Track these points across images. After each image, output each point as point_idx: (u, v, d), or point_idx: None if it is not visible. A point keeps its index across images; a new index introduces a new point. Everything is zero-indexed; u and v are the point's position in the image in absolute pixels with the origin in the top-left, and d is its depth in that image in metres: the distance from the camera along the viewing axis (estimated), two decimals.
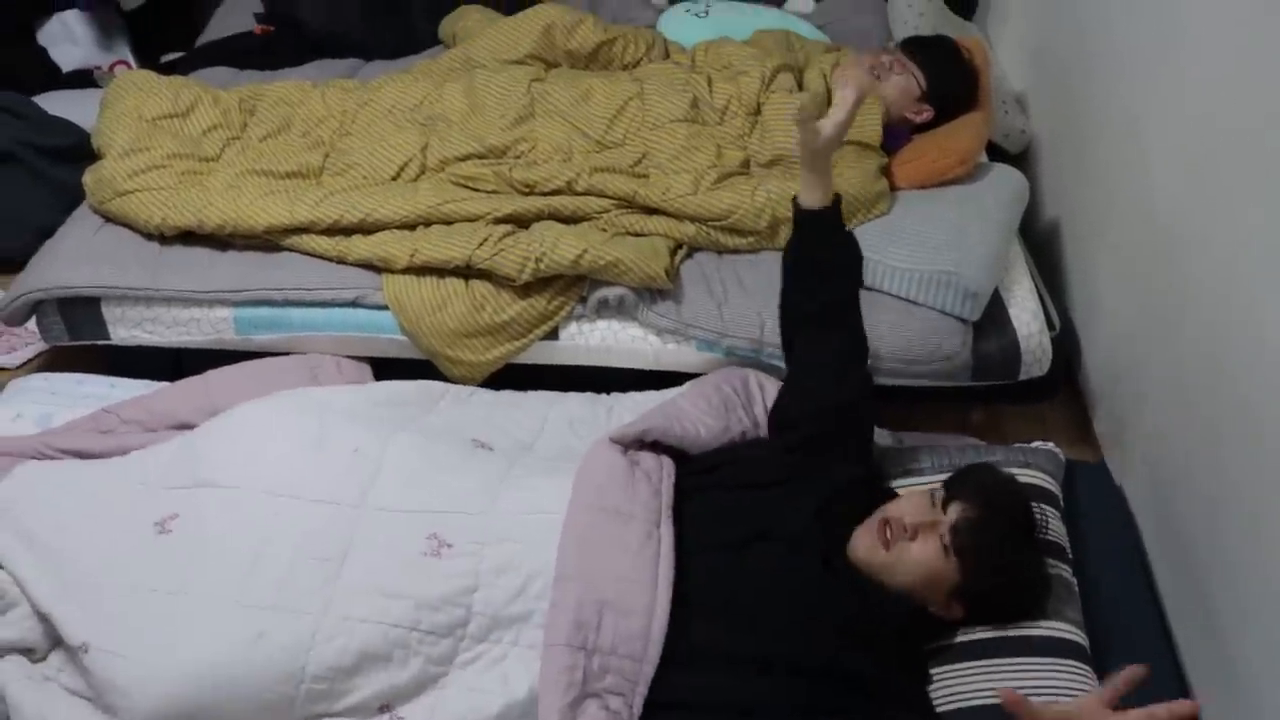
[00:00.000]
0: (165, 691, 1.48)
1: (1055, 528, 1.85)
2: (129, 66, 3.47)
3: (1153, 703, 1.64)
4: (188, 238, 2.30)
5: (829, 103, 2.53)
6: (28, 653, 1.56)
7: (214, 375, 2.03)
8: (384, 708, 1.51)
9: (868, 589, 1.59)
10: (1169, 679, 1.76)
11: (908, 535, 1.58)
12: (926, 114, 2.54)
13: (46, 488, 1.70)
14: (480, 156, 2.41)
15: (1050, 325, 2.31)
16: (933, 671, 1.64)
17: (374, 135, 2.47)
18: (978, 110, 2.54)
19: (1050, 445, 2.05)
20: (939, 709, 1.59)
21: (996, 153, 2.81)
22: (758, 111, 2.51)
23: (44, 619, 1.57)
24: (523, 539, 1.59)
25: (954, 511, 1.59)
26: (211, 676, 1.48)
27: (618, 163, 2.37)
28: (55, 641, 1.57)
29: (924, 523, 1.59)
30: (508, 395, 2.04)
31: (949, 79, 2.55)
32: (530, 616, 1.55)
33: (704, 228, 2.30)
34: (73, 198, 2.48)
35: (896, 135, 2.53)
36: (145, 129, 2.43)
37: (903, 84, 2.54)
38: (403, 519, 1.61)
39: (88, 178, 2.39)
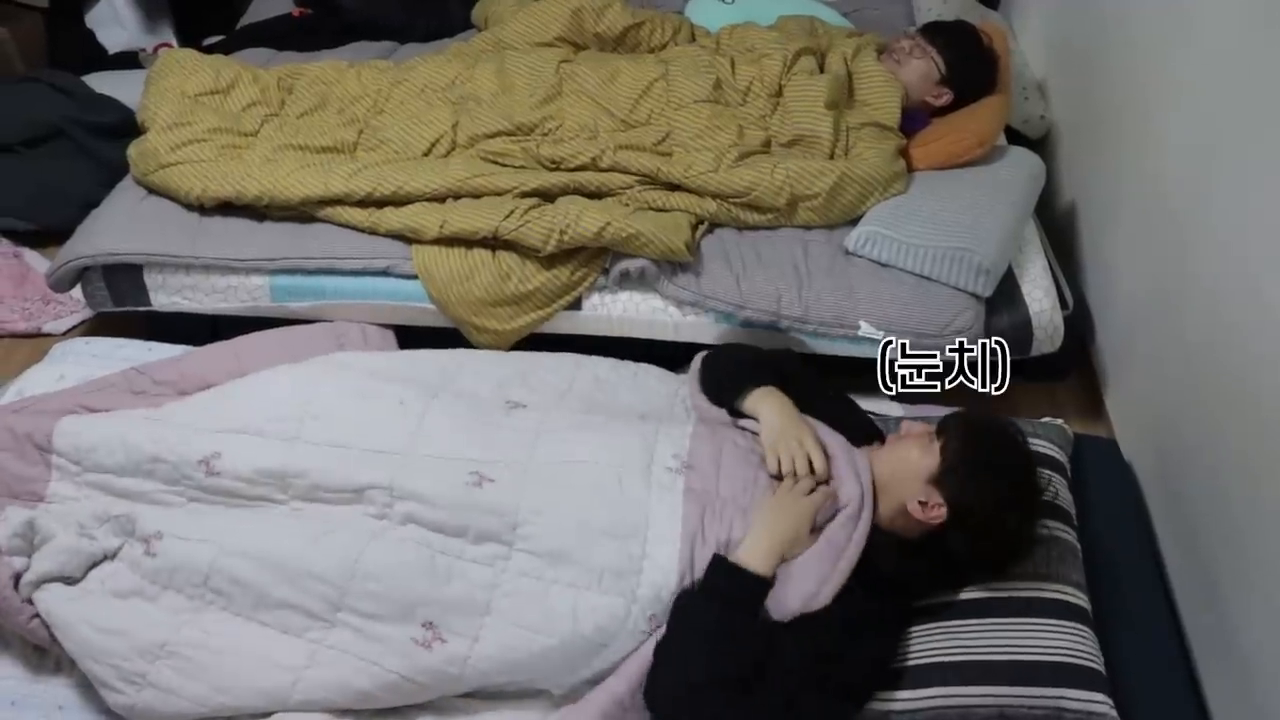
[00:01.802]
0: (230, 566, 1.60)
1: (1062, 494, 1.89)
2: (172, 48, 3.55)
3: (1154, 676, 1.72)
4: (226, 209, 2.38)
5: (850, 88, 2.59)
6: (65, 580, 1.64)
7: (243, 340, 2.09)
8: (428, 624, 1.58)
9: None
10: (1172, 648, 1.79)
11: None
12: (946, 97, 2.58)
13: (94, 438, 1.78)
14: (509, 134, 2.47)
15: (1063, 303, 2.33)
16: (934, 626, 1.68)
17: (407, 113, 2.54)
18: (996, 91, 2.57)
19: (1059, 421, 2.08)
20: (941, 661, 1.63)
21: (1017, 138, 2.84)
22: (779, 93, 2.56)
23: (101, 521, 1.67)
24: (559, 484, 1.67)
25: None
26: (274, 557, 1.60)
27: (641, 140, 2.43)
28: (92, 563, 1.66)
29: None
30: (535, 356, 2.10)
31: (968, 62, 2.59)
32: (570, 554, 1.61)
33: (725, 204, 2.36)
34: (117, 173, 2.56)
35: (915, 118, 2.58)
36: (188, 104, 2.51)
37: (922, 68, 2.59)
38: (447, 462, 1.70)
39: (132, 150, 2.47)
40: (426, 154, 2.46)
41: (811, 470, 1.69)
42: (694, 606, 1.57)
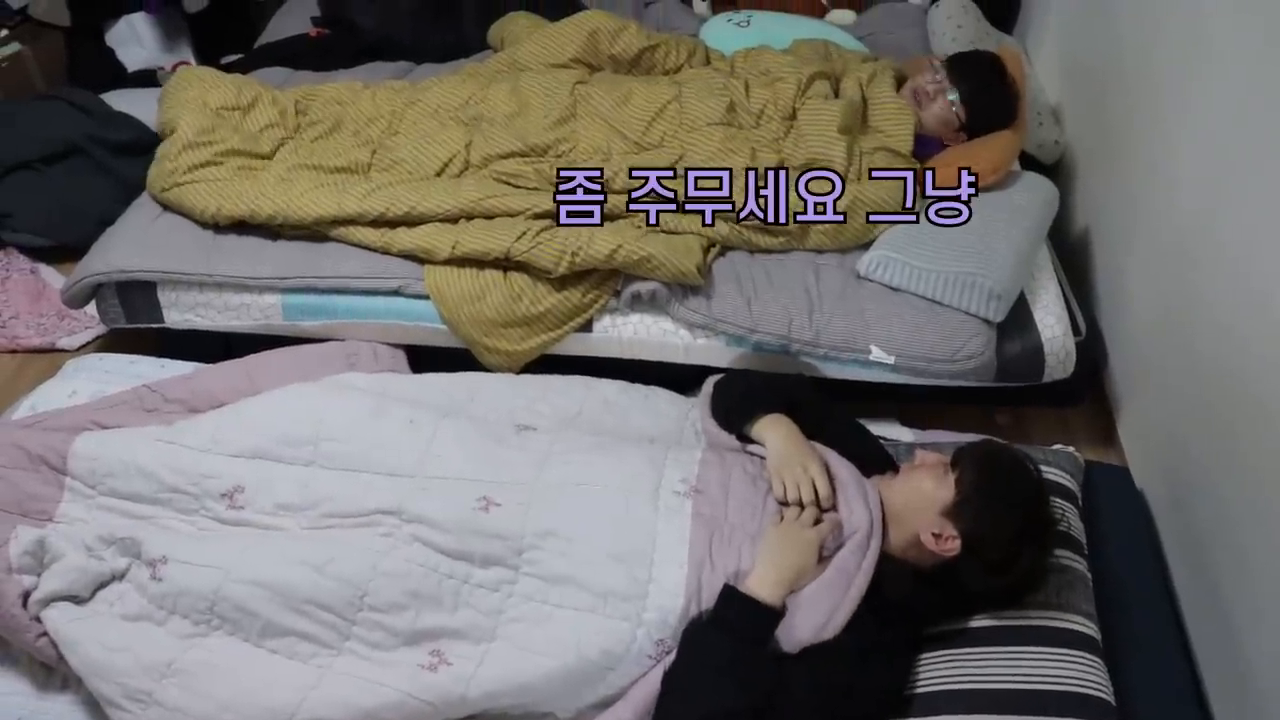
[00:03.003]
0: (236, 593, 1.60)
1: (1074, 524, 1.88)
2: (190, 66, 3.58)
3: (1165, 706, 1.70)
4: (240, 227, 2.39)
5: (864, 113, 2.59)
6: (72, 599, 1.65)
7: (255, 359, 2.10)
8: (434, 651, 1.59)
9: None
10: (1183, 678, 1.78)
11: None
12: (961, 138, 2.58)
13: (111, 463, 1.79)
14: (522, 155, 2.48)
15: (1076, 330, 2.32)
16: (943, 654, 1.67)
17: (420, 133, 2.55)
18: (1013, 125, 2.57)
19: (1070, 449, 2.08)
20: (948, 690, 1.62)
21: (1031, 163, 2.84)
22: (793, 116, 2.56)
23: (107, 543, 1.68)
24: (566, 508, 1.67)
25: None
26: (280, 586, 1.61)
27: (654, 164, 2.44)
28: (100, 584, 1.67)
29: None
30: (545, 378, 2.10)
31: (989, 112, 2.56)
32: (574, 578, 1.61)
33: (736, 228, 2.36)
34: (134, 190, 2.58)
35: (928, 143, 2.57)
36: (209, 117, 2.52)
37: (943, 115, 2.58)
38: (455, 485, 1.71)
39: (153, 166, 2.48)
40: (439, 174, 2.47)
41: (817, 499, 1.68)
42: (704, 637, 1.56)
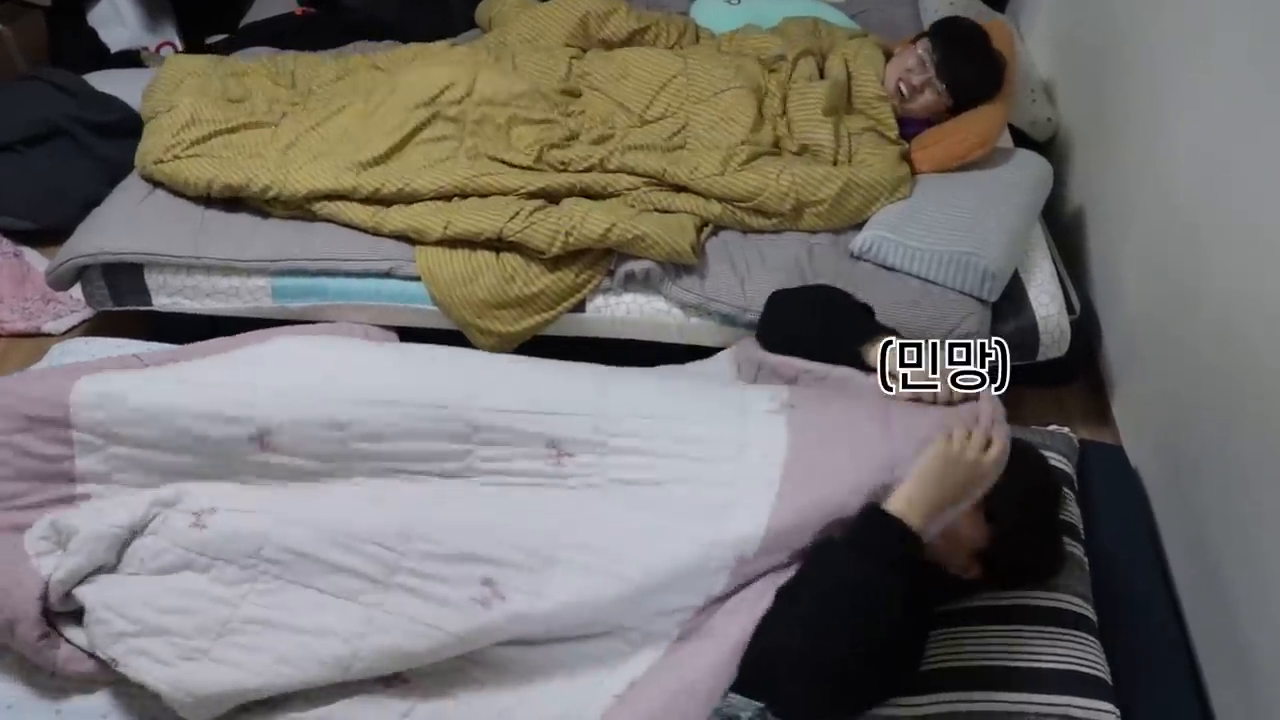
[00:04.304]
0: (285, 536, 1.54)
1: (1069, 508, 1.87)
2: (175, 47, 3.56)
3: (1161, 685, 1.70)
4: (229, 208, 2.37)
5: (849, 91, 2.57)
6: (97, 571, 1.60)
7: (245, 338, 2.06)
8: (487, 581, 1.50)
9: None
10: (1179, 659, 1.78)
11: None
12: (948, 117, 2.57)
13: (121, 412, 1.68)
14: (530, 95, 2.47)
15: (1070, 308, 2.32)
16: (941, 632, 1.66)
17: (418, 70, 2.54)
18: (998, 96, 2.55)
19: (1065, 430, 2.07)
20: (946, 667, 1.61)
21: (1023, 140, 2.84)
22: (785, 99, 2.55)
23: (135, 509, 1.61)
24: (639, 430, 1.60)
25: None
26: (329, 522, 1.55)
27: (655, 137, 2.43)
28: (123, 544, 1.59)
29: None
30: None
31: (975, 87, 2.54)
32: (645, 501, 1.55)
33: (729, 207, 2.35)
34: (118, 171, 2.55)
35: (914, 122, 2.56)
36: (212, 100, 2.50)
37: (931, 104, 2.56)
38: (515, 416, 1.61)
39: (145, 139, 2.45)
40: (435, 98, 2.44)
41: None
42: (836, 560, 1.42)
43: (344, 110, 2.52)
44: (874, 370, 1.65)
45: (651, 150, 2.41)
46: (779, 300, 1.89)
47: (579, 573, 1.49)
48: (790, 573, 1.46)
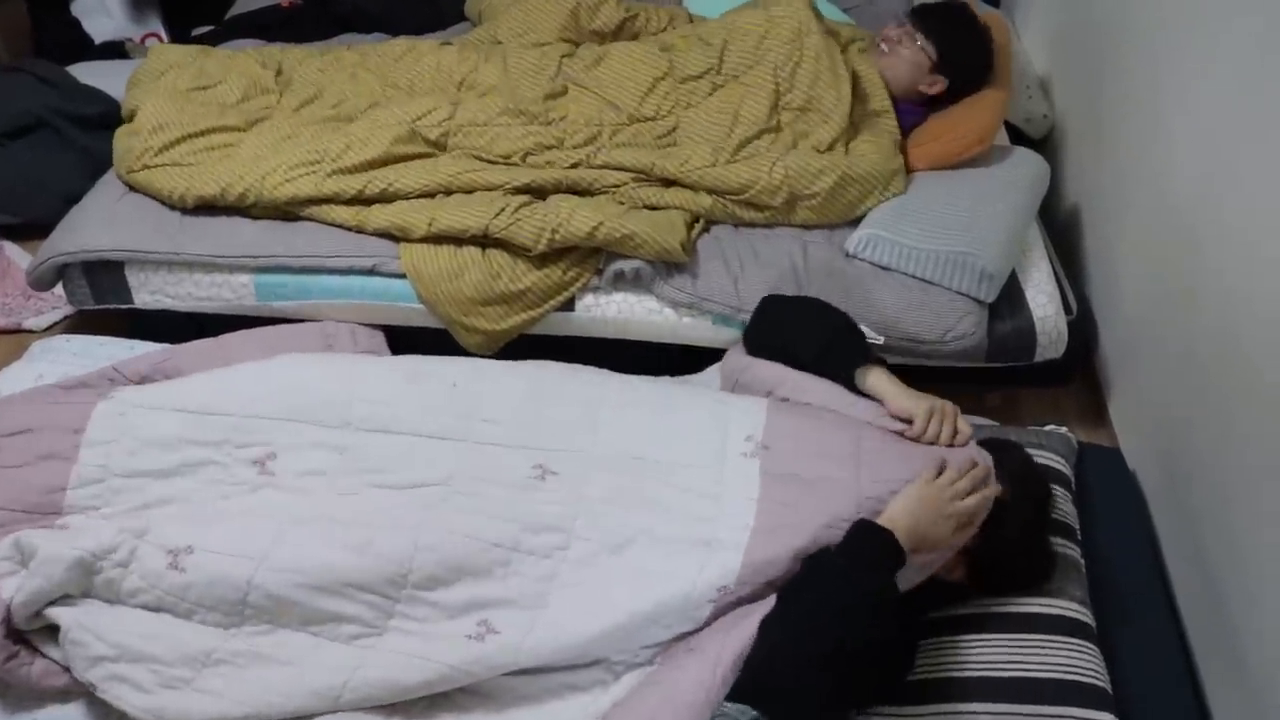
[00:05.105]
0: (270, 582, 1.52)
1: (1065, 509, 1.85)
2: (160, 39, 3.52)
3: (1161, 688, 1.69)
4: (211, 205, 2.32)
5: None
6: (66, 596, 1.57)
7: (229, 338, 2.03)
8: (482, 622, 1.52)
9: None
10: (1176, 662, 1.76)
11: None
12: (939, 85, 2.52)
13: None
14: (512, 114, 2.43)
15: (1067, 309, 2.30)
16: (938, 640, 1.64)
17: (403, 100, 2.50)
18: (995, 84, 2.51)
19: (1063, 429, 2.05)
20: (944, 677, 1.59)
21: (1019, 137, 2.81)
22: (796, 60, 2.49)
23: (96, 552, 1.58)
24: (626, 475, 1.62)
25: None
26: (318, 572, 1.52)
27: (645, 136, 2.39)
28: (91, 571, 1.56)
29: None
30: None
31: (961, 47, 2.51)
32: (631, 543, 1.56)
33: (720, 200, 2.31)
34: (101, 165, 2.51)
35: (910, 113, 2.52)
36: (179, 101, 2.45)
37: (912, 57, 2.51)
38: (507, 453, 1.64)
39: (117, 145, 2.42)
40: (419, 120, 2.40)
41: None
42: (828, 568, 1.46)
43: (324, 119, 2.48)
44: (865, 395, 1.72)
45: (641, 148, 2.37)
46: (773, 308, 1.91)
47: (569, 612, 1.52)
48: (770, 599, 1.49)
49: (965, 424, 1.64)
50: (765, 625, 1.44)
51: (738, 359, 1.89)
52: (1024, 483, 1.66)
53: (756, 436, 1.66)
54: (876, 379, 1.72)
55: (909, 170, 2.42)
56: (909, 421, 1.65)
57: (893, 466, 1.58)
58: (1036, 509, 1.68)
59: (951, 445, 1.62)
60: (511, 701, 1.53)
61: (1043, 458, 1.91)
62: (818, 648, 1.40)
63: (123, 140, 2.42)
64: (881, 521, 1.49)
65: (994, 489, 1.57)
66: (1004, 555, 1.63)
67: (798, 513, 1.53)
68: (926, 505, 1.51)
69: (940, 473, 1.55)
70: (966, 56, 2.52)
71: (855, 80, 2.48)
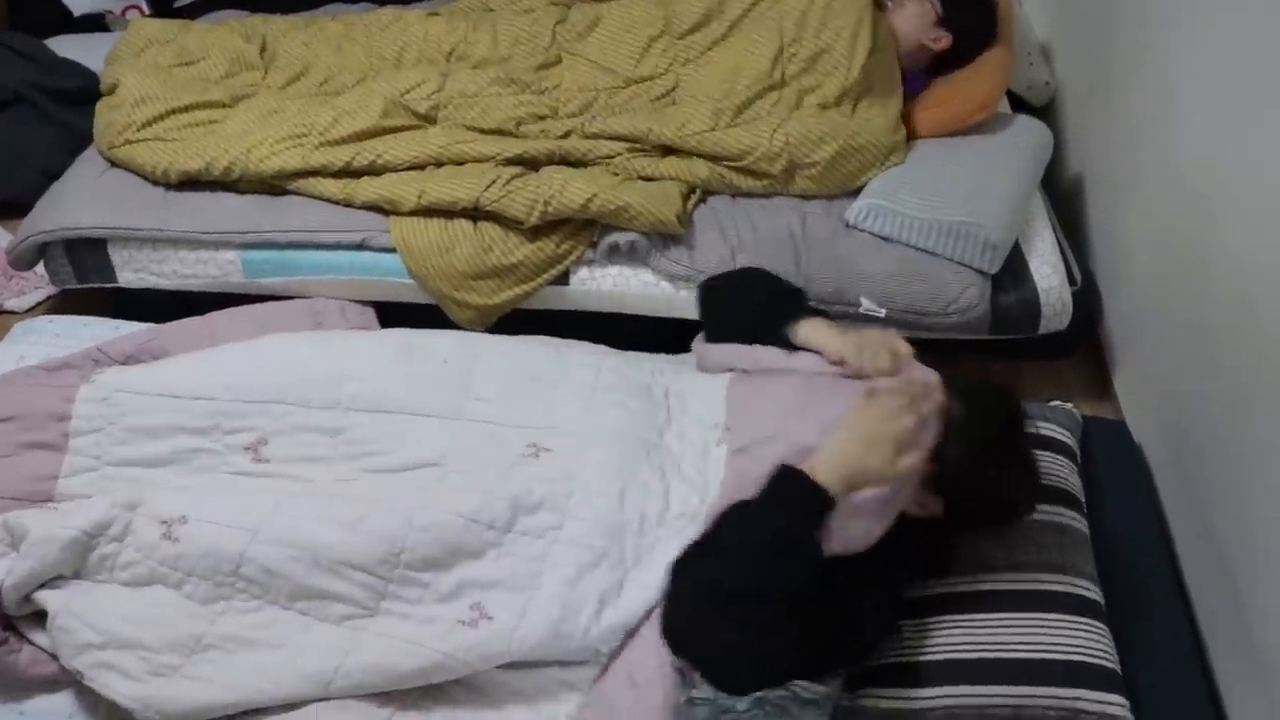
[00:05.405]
0: (264, 555, 1.49)
1: (1072, 481, 1.82)
2: (141, 10, 3.45)
3: (1169, 666, 1.66)
4: (195, 180, 2.28)
5: None
6: (59, 577, 1.53)
7: (216, 316, 1.99)
8: (475, 605, 1.49)
9: None
10: (1184, 637, 1.74)
11: None
12: (945, 40, 2.48)
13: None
14: (502, 84, 2.39)
15: (1071, 280, 2.27)
16: (948, 619, 1.61)
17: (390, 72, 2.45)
18: (998, 44, 2.47)
19: (1068, 405, 2.02)
20: (954, 659, 1.56)
21: (1020, 105, 2.77)
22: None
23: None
24: (617, 452, 1.59)
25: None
26: (312, 546, 1.49)
27: (641, 99, 2.36)
28: (85, 550, 1.53)
29: None
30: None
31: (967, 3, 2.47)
32: (628, 526, 1.53)
33: (717, 168, 2.27)
34: (82, 140, 2.47)
35: (915, 79, 2.48)
36: (161, 76, 2.40)
37: (917, 9, 2.48)
38: (500, 430, 1.62)
39: (98, 118, 2.37)
40: (408, 93, 2.36)
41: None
42: (743, 511, 1.39)
43: (310, 91, 2.44)
44: (801, 349, 1.67)
45: (637, 113, 2.33)
46: (709, 288, 1.87)
47: (559, 605, 1.49)
48: None
49: (902, 345, 1.56)
50: (671, 569, 1.37)
51: (698, 347, 1.85)
52: (980, 397, 1.55)
53: (720, 420, 1.63)
54: (808, 331, 1.67)
55: (913, 137, 2.39)
56: (846, 364, 1.60)
57: (824, 406, 1.52)
58: (998, 424, 1.56)
59: (896, 373, 1.54)
60: (505, 697, 1.50)
61: (1047, 429, 1.88)
62: (710, 588, 1.33)
63: (104, 114, 2.37)
64: (810, 461, 1.40)
65: (935, 402, 1.45)
66: (964, 477, 1.51)
67: (752, 481, 1.46)
68: (857, 433, 1.41)
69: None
70: (971, 8, 2.47)
71: (875, 25, 2.44)
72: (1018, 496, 1.62)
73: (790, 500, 1.38)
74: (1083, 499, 1.81)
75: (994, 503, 1.59)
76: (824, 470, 1.38)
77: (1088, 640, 1.57)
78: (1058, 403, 2.02)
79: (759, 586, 1.32)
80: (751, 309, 1.78)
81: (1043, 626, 1.57)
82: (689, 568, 1.37)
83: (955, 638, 1.58)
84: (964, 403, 1.52)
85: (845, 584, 1.43)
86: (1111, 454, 2.01)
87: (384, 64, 2.51)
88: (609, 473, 1.57)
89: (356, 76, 2.48)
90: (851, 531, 1.44)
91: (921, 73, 2.50)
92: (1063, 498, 1.76)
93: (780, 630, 1.33)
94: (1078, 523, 1.75)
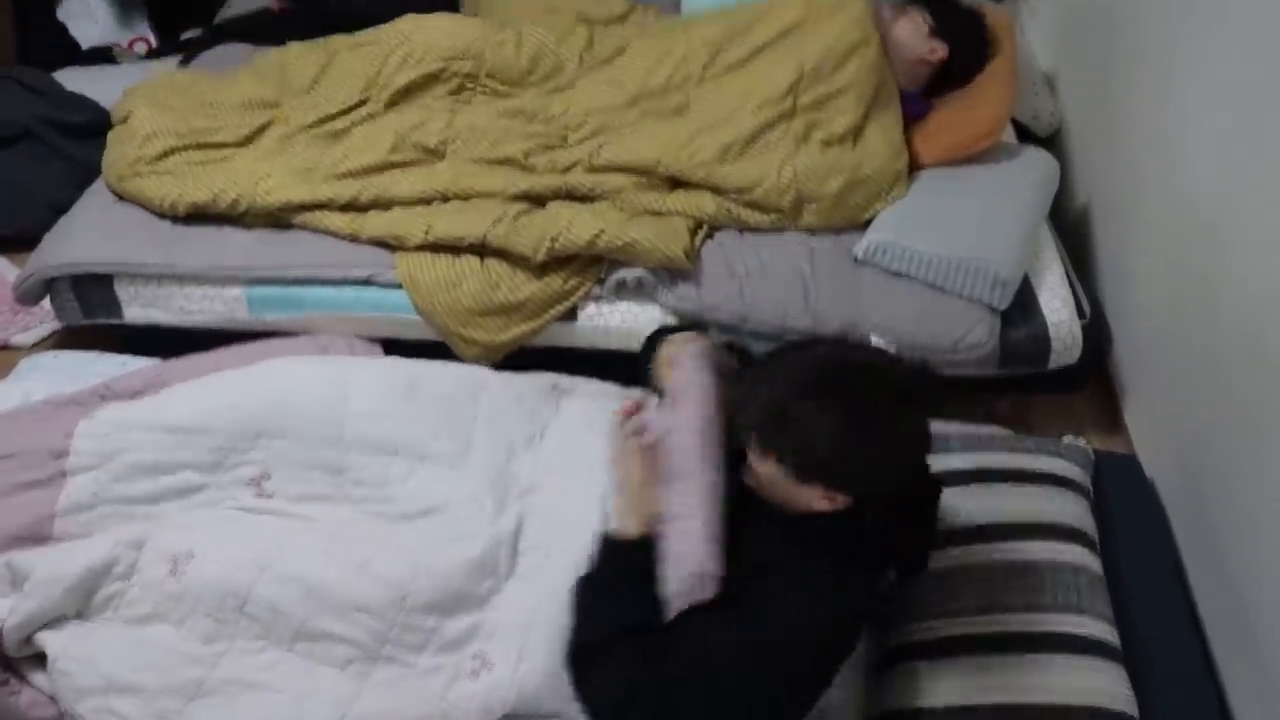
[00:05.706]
0: (270, 593, 1.48)
1: (1086, 520, 1.80)
2: (148, 43, 3.47)
3: (1183, 703, 1.64)
4: (201, 216, 2.27)
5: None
6: (62, 617, 1.52)
7: (222, 353, 1.99)
8: (477, 655, 1.50)
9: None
10: (1200, 676, 1.72)
11: None
12: (941, 51, 2.46)
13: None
14: (510, 116, 2.40)
15: (1080, 313, 2.25)
16: (965, 661, 1.59)
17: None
18: (1000, 67, 2.46)
19: (1080, 441, 2.00)
20: (974, 704, 1.54)
21: (1026, 135, 2.76)
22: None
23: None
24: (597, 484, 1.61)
25: None
26: (318, 587, 1.49)
27: (652, 112, 2.36)
28: (89, 591, 1.52)
29: None
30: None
31: (951, 9, 2.48)
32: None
33: (725, 203, 2.26)
34: (90, 174, 2.46)
35: (916, 101, 2.47)
36: (172, 114, 2.40)
37: (908, 25, 2.47)
38: (501, 478, 1.62)
39: (109, 149, 2.37)
40: (416, 129, 2.36)
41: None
42: (579, 584, 1.50)
43: (319, 125, 2.43)
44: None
45: (644, 135, 2.31)
46: (648, 339, 1.84)
47: (551, 638, 1.49)
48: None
49: (628, 404, 1.67)
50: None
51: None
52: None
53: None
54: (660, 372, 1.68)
55: (917, 165, 2.38)
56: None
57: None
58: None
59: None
60: None
61: (1059, 468, 1.87)
62: (576, 650, 1.44)
63: (115, 146, 2.38)
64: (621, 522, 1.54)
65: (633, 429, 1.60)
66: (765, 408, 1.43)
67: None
68: (624, 488, 1.56)
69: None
70: (960, 15, 2.48)
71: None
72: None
73: (612, 556, 1.50)
74: (1096, 537, 1.80)
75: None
76: (625, 516, 1.53)
77: (1105, 684, 1.55)
78: (1069, 438, 2.01)
79: (609, 631, 1.42)
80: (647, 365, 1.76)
81: (1056, 670, 1.56)
82: (569, 637, 1.47)
83: (966, 681, 1.57)
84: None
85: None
86: (1124, 490, 1.99)
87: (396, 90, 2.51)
88: (590, 508, 1.57)
89: (373, 92, 2.48)
90: (676, 553, 1.45)
91: (920, 93, 2.49)
92: (1077, 537, 1.75)
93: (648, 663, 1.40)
94: (1092, 563, 1.73)
